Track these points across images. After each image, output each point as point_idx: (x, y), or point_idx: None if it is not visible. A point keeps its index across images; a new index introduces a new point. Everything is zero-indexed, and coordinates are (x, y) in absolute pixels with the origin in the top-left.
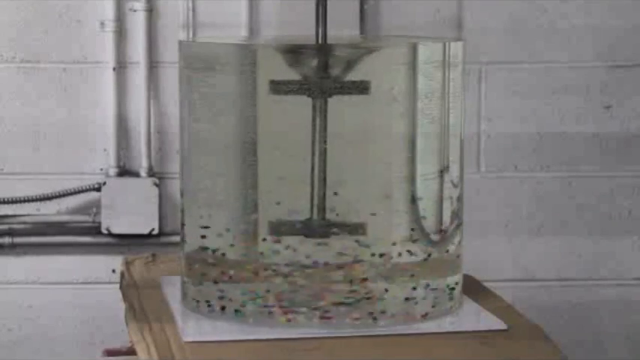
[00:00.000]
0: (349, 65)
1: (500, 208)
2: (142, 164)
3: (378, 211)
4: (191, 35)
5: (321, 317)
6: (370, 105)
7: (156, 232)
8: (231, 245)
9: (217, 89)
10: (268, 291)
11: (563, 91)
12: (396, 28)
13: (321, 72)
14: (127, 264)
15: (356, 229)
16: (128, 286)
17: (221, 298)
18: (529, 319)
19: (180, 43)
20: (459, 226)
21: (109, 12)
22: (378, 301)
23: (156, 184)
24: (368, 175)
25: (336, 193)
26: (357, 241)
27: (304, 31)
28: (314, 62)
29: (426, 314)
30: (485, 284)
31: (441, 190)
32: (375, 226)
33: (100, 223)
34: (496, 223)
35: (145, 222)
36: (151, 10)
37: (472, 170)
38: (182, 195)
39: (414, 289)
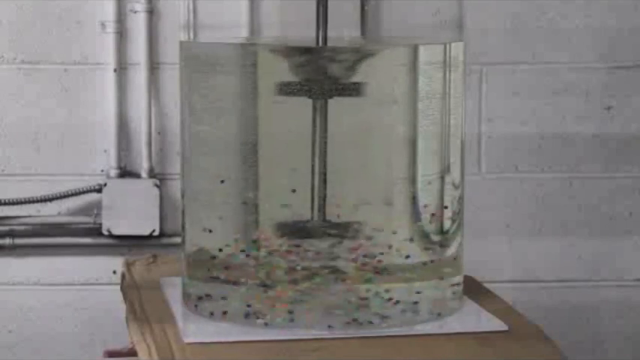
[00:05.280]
0: (350, 66)
1: (500, 208)
2: (143, 165)
3: (378, 213)
4: (192, 36)
5: (322, 318)
6: (371, 106)
7: (157, 233)
8: (232, 246)
9: (218, 90)
10: (269, 292)
11: (564, 92)
12: (397, 29)
13: (322, 73)
14: (128, 265)
15: (356, 231)
16: (129, 287)
17: (222, 299)
18: (529, 319)
19: (181, 43)
20: (459, 227)
21: (109, 13)
22: (378, 302)
23: (157, 185)
24: (368, 176)
25: (337, 203)
26: (357, 242)
27: (305, 31)
28: (314, 63)
29: (427, 315)
30: (486, 285)
31: (441, 191)
32: (375, 227)
33: (100, 224)
34: (496, 223)
35: (146, 223)
36: (151, 11)
37: (473, 171)
38: (183, 196)
39: (415, 290)
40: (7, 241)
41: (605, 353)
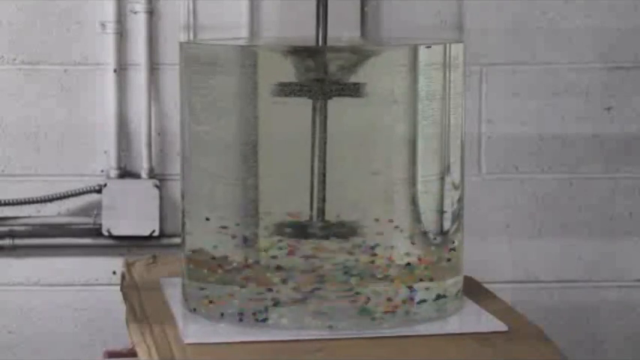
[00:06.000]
0: (349, 67)
1: (500, 209)
2: (143, 166)
3: (378, 213)
4: (192, 36)
5: (322, 319)
6: (371, 107)
7: (157, 233)
8: (232, 246)
9: (218, 91)
10: (269, 293)
11: (564, 93)
12: (397, 30)
13: (322, 74)
14: (128, 265)
15: (356, 231)
16: (129, 288)
17: (222, 299)
18: (529, 320)
19: (181, 44)
20: (459, 227)
21: (109, 13)
22: (378, 303)
23: (157, 186)
24: (368, 176)
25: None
26: (357, 242)
27: (305, 32)
28: (314, 64)
29: (427, 315)
30: (486, 286)
31: (441, 191)
32: (375, 227)
33: (100, 224)
34: (496, 224)
35: (146, 223)
36: (151, 12)
37: (473, 172)
38: (183, 196)
39: (415, 290)
40: (7, 241)
41: (605, 353)
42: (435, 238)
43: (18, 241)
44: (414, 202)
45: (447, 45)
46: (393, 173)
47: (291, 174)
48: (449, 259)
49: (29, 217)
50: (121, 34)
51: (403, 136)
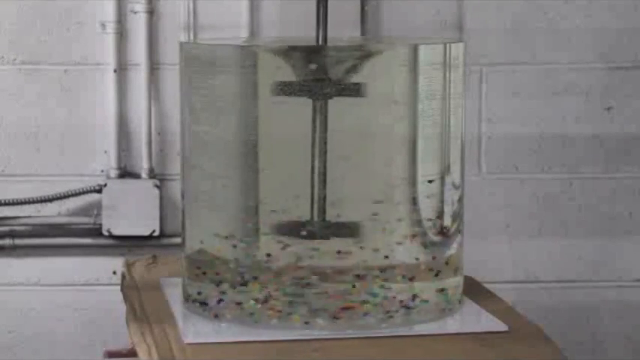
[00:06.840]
0: (350, 67)
1: (500, 209)
2: (143, 166)
3: (378, 213)
4: (192, 37)
5: (322, 319)
6: (371, 107)
7: (157, 233)
8: (232, 247)
9: (218, 91)
10: (269, 293)
11: (564, 93)
12: (397, 30)
13: (322, 74)
14: (128, 265)
15: (356, 231)
16: (129, 288)
17: (222, 299)
18: (529, 320)
19: (181, 44)
20: (459, 227)
21: (109, 13)
22: (378, 303)
23: (157, 186)
24: (368, 176)
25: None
26: (357, 242)
27: (305, 31)
28: (314, 64)
29: (427, 315)
30: (486, 285)
31: (441, 191)
32: (375, 227)
33: (100, 224)
34: (497, 224)
35: (146, 223)
36: (151, 12)
37: (473, 171)
38: (183, 196)
39: (415, 290)
40: (7, 241)
41: (605, 353)
42: (435, 238)
43: (18, 241)
44: (414, 201)
45: (447, 45)
46: (393, 173)
47: (292, 174)
48: (449, 259)
49: (29, 217)
50: (121, 34)
51: (403, 135)
